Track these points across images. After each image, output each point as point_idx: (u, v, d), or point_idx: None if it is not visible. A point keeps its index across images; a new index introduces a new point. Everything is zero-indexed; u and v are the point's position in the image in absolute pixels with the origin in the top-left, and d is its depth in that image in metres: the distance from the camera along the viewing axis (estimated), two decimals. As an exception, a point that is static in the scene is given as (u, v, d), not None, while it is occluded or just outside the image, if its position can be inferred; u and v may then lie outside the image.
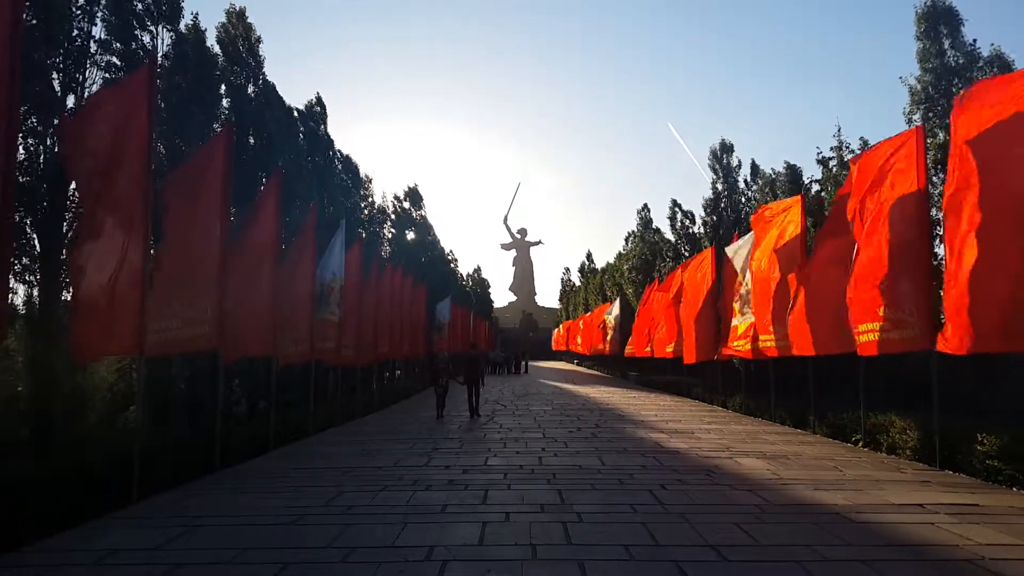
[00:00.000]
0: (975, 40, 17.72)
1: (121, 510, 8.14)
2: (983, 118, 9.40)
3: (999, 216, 9.02)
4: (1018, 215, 8.77)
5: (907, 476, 9.85)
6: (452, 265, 52.70)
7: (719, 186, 31.62)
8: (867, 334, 11.93)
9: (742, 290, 18.61)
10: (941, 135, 16.03)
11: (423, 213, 41.57)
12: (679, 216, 34.94)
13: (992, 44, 17.61)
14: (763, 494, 8.56)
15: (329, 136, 24.66)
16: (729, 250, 20.35)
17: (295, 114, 22.11)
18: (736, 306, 18.95)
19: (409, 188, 41.43)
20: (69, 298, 11.08)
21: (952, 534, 6.65)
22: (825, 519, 7.29)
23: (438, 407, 19.17)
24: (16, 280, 11.83)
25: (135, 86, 9.33)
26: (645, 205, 45.34)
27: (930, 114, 17.21)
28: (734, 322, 19.03)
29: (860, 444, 12.66)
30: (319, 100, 24.35)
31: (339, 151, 26.05)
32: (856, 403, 13.05)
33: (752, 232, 18.22)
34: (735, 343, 18.65)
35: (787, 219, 16.15)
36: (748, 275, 17.79)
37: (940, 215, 10.72)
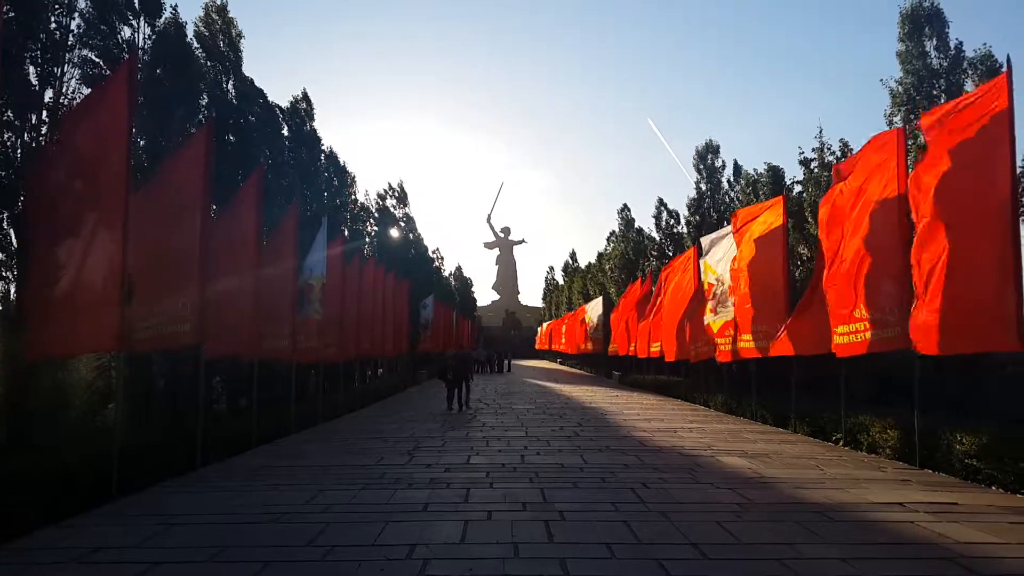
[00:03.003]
0: (961, 43, 17.86)
1: (100, 508, 8.06)
2: (955, 131, 9.66)
3: (965, 222, 9.24)
4: (983, 220, 8.95)
5: (887, 475, 9.92)
6: (436, 264, 52.56)
7: (703, 186, 31.78)
8: (844, 336, 12.05)
9: (716, 289, 18.69)
10: (922, 137, 16.15)
11: (408, 211, 41.49)
12: (664, 215, 35.11)
13: (984, 43, 17.66)
14: (745, 492, 8.59)
15: (316, 133, 24.47)
16: (704, 241, 20.46)
17: (277, 110, 21.94)
18: (709, 305, 19.04)
19: (392, 186, 41.32)
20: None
21: (932, 532, 6.71)
22: (806, 517, 7.32)
23: (448, 399, 20.49)
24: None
25: (115, 81, 9.24)
26: (625, 205, 45.47)
27: (911, 116, 17.34)
28: (706, 320, 19.12)
29: (841, 443, 12.74)
30: (305, 96, 24.16)
31: (328, 147, 25.90)
32: (837, 402, 13.12)
33: (728, 228, 18.32)
34: (719, 340, 18.70)
35: (768, 221, 16.22)
36: (727, 275, 17.85)
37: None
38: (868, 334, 11.50)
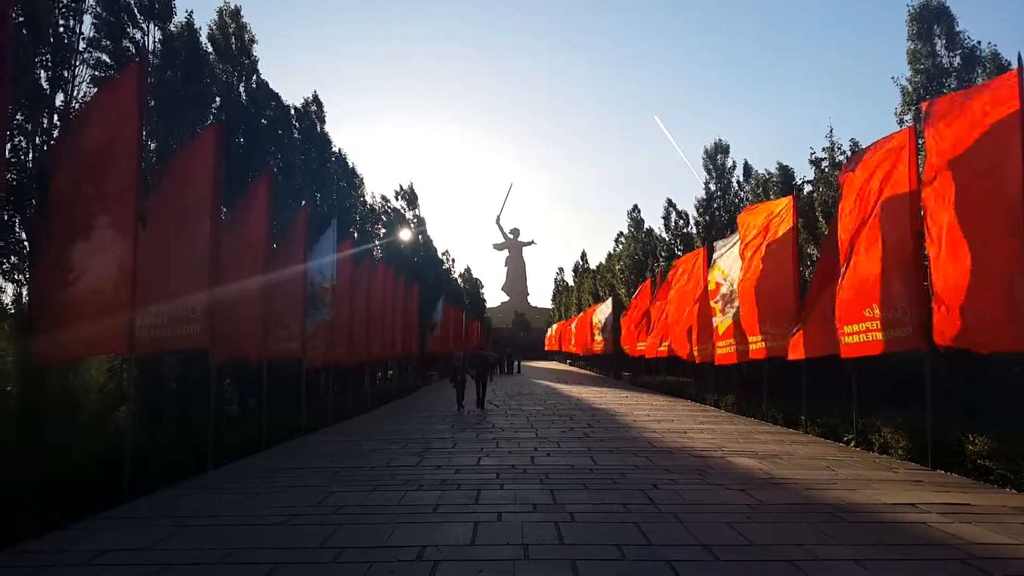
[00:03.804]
0: (979, 42, 17.75)
1: (111, 509, 8.09)
2: (959, 127, 9.62)
3: (981, 221, 9.17)
4: (999, 220, 8.87)
5: (899, 476, 9.86)
6: (446, 266, 52.64)
7: (712, 186, 31.68)
8: (855, 335, 11.98)
9: (723, 290, 18.66)
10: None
11: (418, 213, 41.54)
12: (673, 216, 35.03)
13: (989, 43, 17.61)
14: (755, 493, 8.56)
15: (326, 135, 24.54)
16: (717, 247, 20.42)
17: (292, 110, 22.05)
18: (717, 306, 19.01)
19: (403, 188, 41.41)
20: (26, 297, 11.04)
21: (944, 533, 6.66)
22: (817, 518, 7.29)
23: (458, 401, 21.19)
24: (4, 279, 11.77)
25: (125, 84, 9.27)
26: (636, 206, 45.74)
27: (922, 115, 17.25)
28: (715, 321, 19.09)
29: (852, 444, 12.68)
30: (316, 99, 24.25)
31: (339, 150, 25.94)
32: (848, 403, 13.05)
33: (738, 232, 18.29)
34: (719, 344, 18.69)
35: (777, 220, 16.16)
36: (736, 274, 17.80)
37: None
38: (880, 334, 11.43)
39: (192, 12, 15.89)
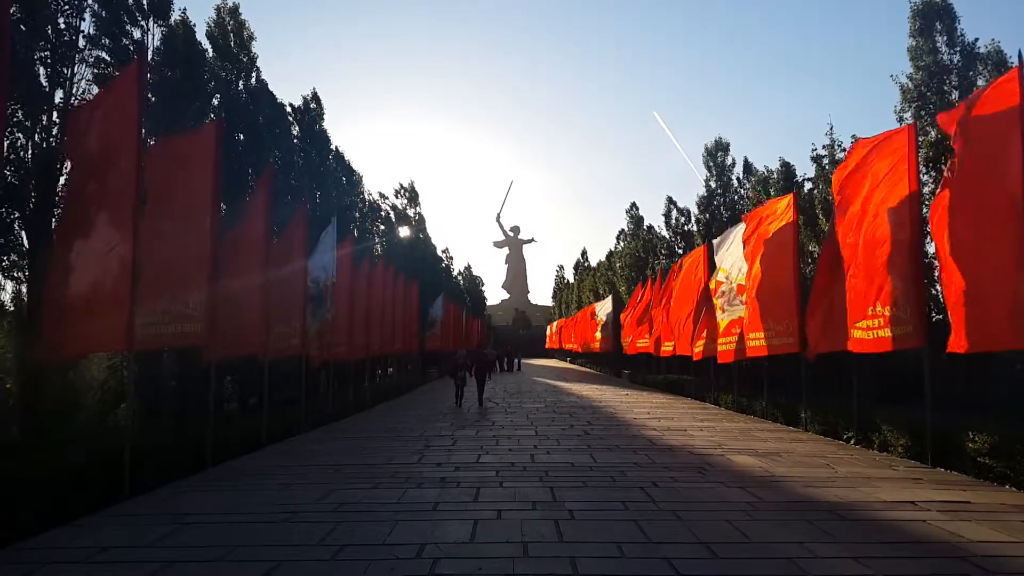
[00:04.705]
0: (976, 39, 17.72)
1: (111, 507, 8.09)
2: (959, 127, 9.56)
3: (992, 218, 9.10)
4: (1009, 217, 8.82)
5: (899, 473, 9.86)
6: (445, 263, 52.65)
7: (713, 184, 31.66)
8: (860, 331, 11.96)
9: (724, 287, 18.66)
10: (933, 133, 16.05)
11: (419, 211, 41.57)
12: (674, 213, 35.01)
13: (992, 39, 17.51)
14: (755, 491, 8.56)
15: (325, 133, 24.53)
16: (716, 242, 20.41)
17: (289, 107, 22.05)
18: (718, 303, 19.00)
19: (403, 186, 41.49)
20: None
21: (943, 531, 6.66)
22: (816, 516, 7.29)
23: (456, 397, 21.82)
24: (4, 276, 11.79)
25: (124, 83, 9.26)
26: (633, 204, 45.76)
27: (922, 112, 17.22)
28: (718, 318, 19.09)
29: (852, 441, 12.67)
30: (315, 96, 24.25)
31: (335, 147, 25.91)
32: (848, 400, 13.04)
33: (738, 227, 18.30)
34: (721, 340, 18.68)
35: (778, 218, 16.15)
36: (736, 273, 17.80)
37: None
38: (884, 331, 11.39)
39: (186, 9, 15.92)
